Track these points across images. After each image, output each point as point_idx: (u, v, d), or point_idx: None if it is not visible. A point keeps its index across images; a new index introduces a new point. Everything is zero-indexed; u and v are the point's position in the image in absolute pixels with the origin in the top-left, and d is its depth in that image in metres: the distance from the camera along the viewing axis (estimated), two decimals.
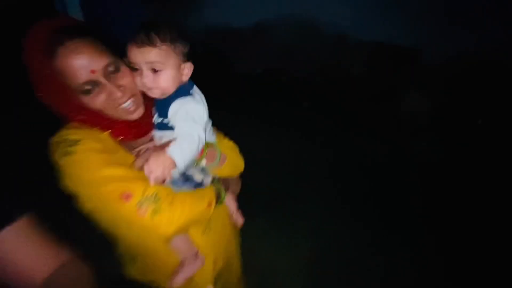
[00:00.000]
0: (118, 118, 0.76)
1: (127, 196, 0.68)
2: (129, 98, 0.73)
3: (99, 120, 0.74)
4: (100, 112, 0.73)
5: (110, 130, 0.76)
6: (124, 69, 0.73)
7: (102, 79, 0.68)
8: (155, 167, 0.64)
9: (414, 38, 3.52)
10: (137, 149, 0.78)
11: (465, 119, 3.00)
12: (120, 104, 0.73)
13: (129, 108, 0.74)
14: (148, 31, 0.68)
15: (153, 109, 0.81)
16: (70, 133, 0.72)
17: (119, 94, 0.71)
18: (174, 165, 0.65)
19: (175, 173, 0.74)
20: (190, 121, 0.71)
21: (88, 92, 0.68)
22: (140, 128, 0.80)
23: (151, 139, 0.81)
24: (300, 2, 3.98)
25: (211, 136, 0.87)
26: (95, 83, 0.68)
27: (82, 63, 0.66)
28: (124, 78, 0.73)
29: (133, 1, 4.91)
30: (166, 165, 0.65)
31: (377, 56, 3.51)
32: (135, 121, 0.78)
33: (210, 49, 3.58)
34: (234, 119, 2.01)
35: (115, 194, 0.68)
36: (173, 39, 0.70)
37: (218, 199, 0.83)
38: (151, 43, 0.68)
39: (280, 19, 4.14)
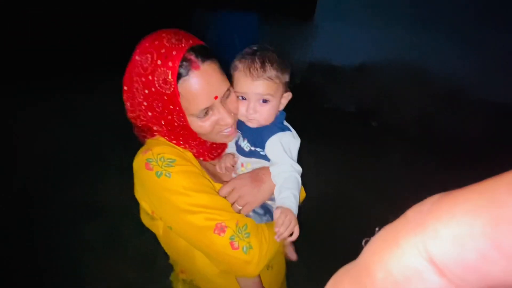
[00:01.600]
0: (213, 141, 0.75)
1: (222, 228, 0.66)
2: (233, 124, 0.72)
3: (189, 141, 0.73)
4: (196, 134, 0.71)
5: (194, 150, 0.75)
6: (233, 94, 0.71)
7: (219, 105, 0.67)
8: (253, 202, 0.69)
9: None
10: (222, 168, 0.78)
11: None
12: (224, 129, 0.71)
13: (228, 133, 0.73)
14: (263, 61, 0.67)
15: (238, 134, 0.79)
16: (164, 152, 0.69)
17: (229, 120, 0.69)
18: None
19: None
20: (292, 160, 0.71)
21: (203, 115, 0.67)
22: (219, 150, 0.80)
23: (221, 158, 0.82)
24: (413, 49, 3.84)
25: None
26: (211, 108, 0.67)
27: (209, 89, 0.63)
28: (233, 104, 0.71)
29: (250, 25, 5.67)
30: (264, 198, 0.71)
31: (496, 118, 3.04)
32: (217, 143, 0.77)
33: (306, 82, 3.78)
34: (314, 151, 2.08)
35: (209, 223, 0.66)
36: (283, 71, 0.70)
37: None
38: (266, 76, 0.67)
39: (387, 63, 4.07)
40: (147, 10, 5.58)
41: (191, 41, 0.63)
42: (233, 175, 0.80)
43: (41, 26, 4.55)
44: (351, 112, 3.60)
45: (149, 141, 0.74)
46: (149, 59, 0.60)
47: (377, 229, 0.17)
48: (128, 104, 0.69)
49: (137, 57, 0.63)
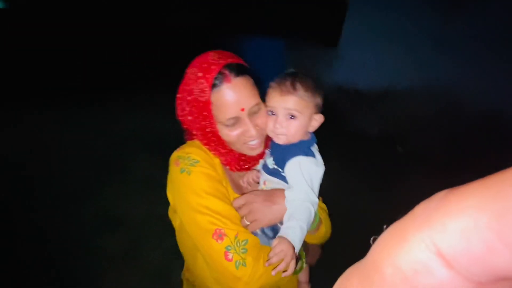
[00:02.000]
0: (239, 151, 0.78)
1: (220, 235, 0.68)
2: (258, 138, 0.75)
3: (219, 148, 0.78)
4: (225, 142, 0.76)
5: (223, 158, 0.80)
6: (263, 111, 0.75)
7: (245, 117, 0.72)
8: (261, 220, 0.70)
9: None
10: (245, 182, 0.82)
11: None
12: (249, 141, 0.75)
13: (253, 146, 0.76)
14: (293, 81, 0.71)
15: (266, 151, 0.82)
16: (192, 152, 0.76)
17: (253, 132, 0.73)
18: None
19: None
20: (309, 189, 0.70)
21: (229, 125, 0.72)
22: (248, 163, 0.83)
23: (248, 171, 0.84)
24: (436, 74, 3.75)
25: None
26: (238, 119, 0.72)
27: (237, 101, 0.70)
28: (261, 119, 0.75)
29: (277, 50, 5.86)
30: (271, 221, 0.71)
31: None
32: (247, 157, 0.80)
33: (332, 105, 3.78)
34: (337, 174, 2.04)
35: (210, 227, 0.69)
36: (313, 91, 0.72)
37: (296, 266, 0.74)
38: (295, 92, 0.70)
39: (410, 88, 3.99)
40: (179, 35, 6.00)
41: (229, 60, 0.71)
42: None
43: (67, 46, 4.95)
44: (376, 136, 3.51)
45: (188, 142, 0.83)
46: (194, 71, 0.70)
47: (384, 226, 0.17)
48: (178, 109, 0.78)
49: (188, 70, 0.73)
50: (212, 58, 0.70)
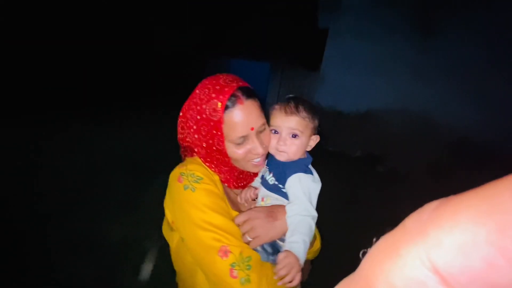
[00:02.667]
0: (242, 168, 0.82)
1: (225, 252, 0.69)
2: (263, 155, 0.80)
3: (220, 165, 0.81)
4: (230, 159, 0.79)
5: (222, 175, 0.83)
6: (267, 130, 0.81)
7: (254, 136, 0.77)
8: (263, 236, 0.71)
9: None
10: (242, 199, 0.84)
11: None
12: (254, 159, 0.79)
13: (257, 163, 0.80)
14: (297, 103, 0.78)
15: (264, 168, 0.85)
16: (195, 169, 0.79)
17: (260, 150, 0.77)
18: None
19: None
20: (309, 204, 0.74)
21: (238, 143, 0.76)
22: (245, 181, 0.87)
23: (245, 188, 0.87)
24: (416, 96, 3.98)
25: None
26: (246, 137, 0.76)
27: (248, 121, 0.74)
28: (266, 137, 0.80)
29: (263, 73, 6.03)
30: (274, 237, 0.72)
31: (505, 167, 2.98)
32: (244, 174, 0.85)
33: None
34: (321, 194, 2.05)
35: (215, 244, 0.69)
36: (313, 113, 0.79)
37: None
38: (298, 113, 0.77)
39: (391, 110, 4.19)
40: (163, 58, 6.07)
41: (240, 83, 0.77)
42: (252, 207, 0.83)
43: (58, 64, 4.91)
44: (357, 157, 3.60)
45: (188, 159, 0.85)
46: (206, 92, 0.74)
47: (374, 239, 0.17)
48: (180, 127, 0.82)
49: (197, 91, 0.77)
50: (224, 81, 0.75)
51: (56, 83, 4.68)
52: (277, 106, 0.80)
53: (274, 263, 0.73)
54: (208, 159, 0.81)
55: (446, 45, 3.74)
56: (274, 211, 0.75)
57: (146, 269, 1.98)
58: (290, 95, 0.82)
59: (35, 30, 4.74)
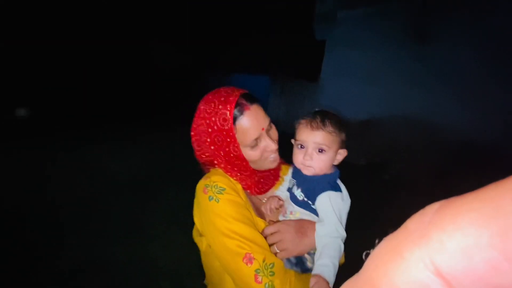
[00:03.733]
0: (261, 168, 0.86)
1: (250, 259, 0.72)
2: (276, 151, 0.84)
3: (242, 171, 0.85)
4: (248, 163, 0.83)
5: (243, 183, 0.86)
6: (273, 127, 0.85)
7: (265, 135, 0.81)
8: (291, 251, 0.73)
9: None
10: (267, 209, 0.85)
11: None
12: (270, 155, 0.83)
13: (273, 159, 0.84)
14: (323, 117, 0.77)
15: (285, 177, 0.89)
16: (218, 180, 0.82)
17: (273, 146, 0.81)
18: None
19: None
20: (339, 223, 0.73)
21: (252, 145, 0.80)
22: (267, 185, 0.90)
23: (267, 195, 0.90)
24: (416, 102, 4.00)
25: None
26: (259, 138, 0.80)
27: (257, 123, 0.79)
28: (274, 133, 0.84)
29: (263, 86, 6.10)
30: (301, 252, 0.74)
31: (506, 170, 2.95)
32: (265, 179, 0.89)
33: None
34: None
35: (240, 251, 0.73)
36: (340, 127, 0.78)
37: None
38: (324, 128, 0.76)
39: (391, 118, 4.20)
40: (167, 74, 6.19)
41: (241, 91, 0.81)
42: (281, 217, 0.85)
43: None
44: (362, 165, 3.58)
45: (211, 171, 0.89)
46: (212, 105, 0.78)
47: (376, 241, 0.17)
48: (195, 145, 0.86)
49: (202, 107, 0.81)
50: (226, 92, 0.80)
51: (55, 106, 4.77)
52: (303, 121, 0.80)
53: (297, 271, 0.76)
54: (229, 167, 0.84)
55: (441, 51, 3.79)
56: (304, 227, 0.77)
57: None
58: (317, 109, 0.81)
59: (40, 48, 4.87)
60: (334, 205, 0.74)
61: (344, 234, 0.73)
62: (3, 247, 2.21)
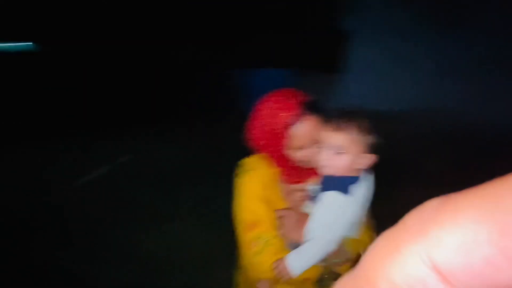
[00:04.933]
0: (304, 165, 0.90)
1: (253, 225, 0.86)
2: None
3: (286, 163, 0.91)
4: (294, 159, 0.89)
5: (285, 171, 0.93)
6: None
7: (311, 144, 0.85)
8: (287, 236, 0.83)
9: None
10: (291, 201, 0.93)
11: None
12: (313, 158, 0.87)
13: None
14: (345, 118, 0.75)
15: (320, 179, 0.90)
16: (251, 162, 0.95)
17: (316, 156, 0.82)
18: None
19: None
20: (325, 226, 0.75)
21: (299, 149, 0.85)
22: (303, 177, 0.95)
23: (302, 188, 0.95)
24: (435, 94, 3.81)
25: (353, 231, 0.85)
26: (309, 145, 0.85)
27: (309, 132, 0.83)
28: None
29: (282, 79, 6.04)
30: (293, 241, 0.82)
31: None
32: (299, 170, 0.93)
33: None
34: None
35: (248, 221, 0.87)
36: (364, 132, 0.75)
37: (321, 282, 0.85)
38: (345, 130, 0.74)
39: (413, 109, 4.03)
40: (189, 69, 6.29)
41: (302, 98, 0.86)
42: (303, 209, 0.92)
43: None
44: (384, 158, 3.48)
45: (256, 154, 0.97)
46: (272, 107, 0.85)
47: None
48: (250, 134, 0.93)
49: (264, 105, 0.87)
50: (287, 96, 0.85)
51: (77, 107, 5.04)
52: (326, 119, 0.80)
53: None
54: (276, 159, 0.92)
55: (467, 37, 3.55)
56: (305, 219, 0.81)
57: (179, 280, 2.02)
58: (344, 108, 0.79)
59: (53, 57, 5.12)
60: (330, 206, 0.75)
61: (329, 237, 0.75)
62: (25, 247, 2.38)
